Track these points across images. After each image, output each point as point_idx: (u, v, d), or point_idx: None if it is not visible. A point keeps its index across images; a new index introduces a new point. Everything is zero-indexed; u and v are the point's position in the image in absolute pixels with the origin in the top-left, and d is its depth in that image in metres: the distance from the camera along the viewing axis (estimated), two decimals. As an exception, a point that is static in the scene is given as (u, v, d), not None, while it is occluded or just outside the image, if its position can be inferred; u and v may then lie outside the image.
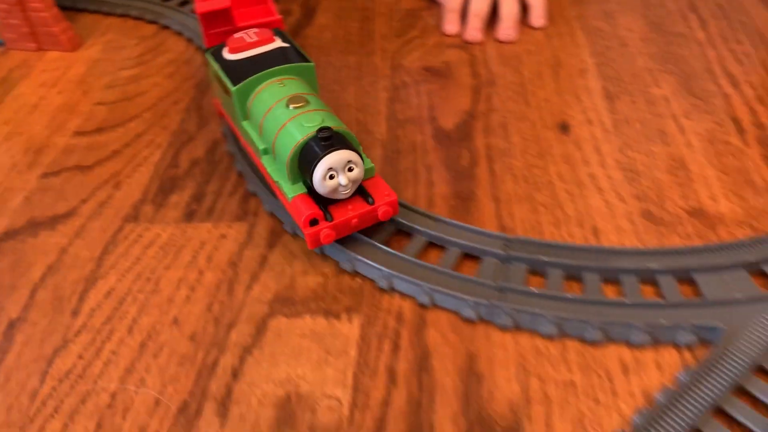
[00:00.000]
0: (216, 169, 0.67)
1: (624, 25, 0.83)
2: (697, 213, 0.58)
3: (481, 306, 0.51)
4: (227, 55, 0.61)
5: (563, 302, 0.50)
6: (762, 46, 0.77)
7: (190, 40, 0.88)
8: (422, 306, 0.52)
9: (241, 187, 0.65)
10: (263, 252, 0.58)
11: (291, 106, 0.55)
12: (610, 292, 0.52)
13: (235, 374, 0.49)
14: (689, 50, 0.77)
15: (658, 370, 0.47)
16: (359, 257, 0.54)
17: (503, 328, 0.50)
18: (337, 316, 0.52)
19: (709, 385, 0.44)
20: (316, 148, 0.51)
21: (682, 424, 0.42)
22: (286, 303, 0.54)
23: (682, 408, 0.43)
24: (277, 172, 0.56)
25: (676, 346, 0.48)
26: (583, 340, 0.49)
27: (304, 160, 0.52)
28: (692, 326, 0.48)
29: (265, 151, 0.57)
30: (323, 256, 0.57)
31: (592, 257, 0.53)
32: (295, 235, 0.59)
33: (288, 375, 0.49)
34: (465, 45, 0.82)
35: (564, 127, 0.68)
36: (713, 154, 0.63)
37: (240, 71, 0.59)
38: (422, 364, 0.49)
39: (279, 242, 0.59)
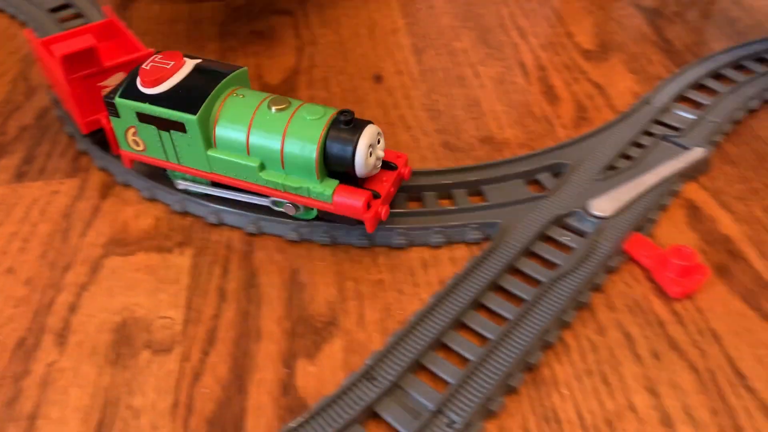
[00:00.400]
0: (46, 134, 0.68)
1: (432, -11, 0.92)
2: (487, 140, 0.67)
3: (303, 228, 0.57)
4: (148, 90, 0.53)
5: (372, 217, 0.57)
6: (546, 3, 0.89)
7: (13, 17, 0.88)
8: (250, 234, 0.58)
9: (71, 148, 0.67)
10: (96, 203, 0.61)
11: (274, 109, 0.51)
12: (414, 207, 0.60)
13: (72, 309, 0.52)
14: (486, 9, 0.88)
15: (451, 263, 0.55)
16: (188, 198, 0.59)
17: (323, 244, 0.57)
18: (170, 251, 0.56)
19: (488, 267, 0.52)
20: (347, 133, 0.50)
21: (466, 297, 0.50)
22: (119, 244, 0.57)
23: (466, 285, 0.51)
24: (295, 179, 0.52)
25: (466, 243, 0.57)
26: (390, 247, 0.56)
27: (337, 149, 0.50)
28: (478, 225, 0.56)
29: (262, 167, 0.53)
30: (154, 201, 0.60)
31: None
32: (126, 185, 0.62)
33: (124, 304, 0.52)
34: (288, 10, 0.88)
35: (378, 78, 0.76)
36: (502, 93, 0.73)
37: (183, 100, 0.52)
38: (250, 281, 0.54)
39: (111, 193, 0.62)
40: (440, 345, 0.48)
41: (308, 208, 0.55)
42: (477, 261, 0.53)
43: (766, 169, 0.63)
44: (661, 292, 0.52)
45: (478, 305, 0.51)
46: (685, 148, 0.63)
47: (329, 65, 0.78)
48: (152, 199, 0.60)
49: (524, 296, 0.51)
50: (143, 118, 0.54)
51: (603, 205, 0.57)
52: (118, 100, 0.54)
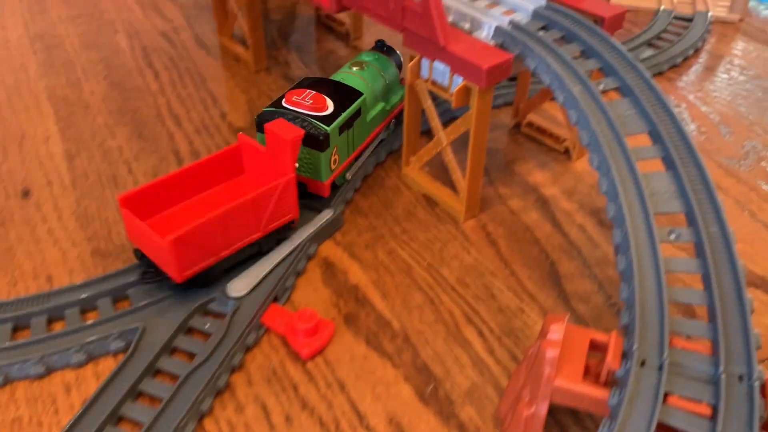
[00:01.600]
0: None
1: (88, 89, 0.92)
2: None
3: (-75, 383, 0.53)
4: (328, 111, 0.67)
5: (5, 351, 0.55)
6: (202, 86, 0.93)
7: None
8: None
9: None
10: None
11: (356, 69, 0.76)
12: (57, 328, 0.59)
13: None
14: (144, 101, 0.90)
15: (96, 378, 0.55)
16: None
17: (-49, 395, 0.54)
18: None
19: (126, 375, 0.54)
20: (390, 51, 0.81)
21: (103, 413, 0.51)
22: None
23: (104, 401, 0.52)
24: (397, 95, 0.79)
25: (112, 353, 0.57)
26: (29, 378, 0.55)
27: (397, 59, 0.81)
28: (119, 333, 0.57)
29: (385, 101, 0.77)
30: None
31: (38, 303, 0.60)
32: None
33: None
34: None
35: (26, 193, 0.74)
36: (156, 186, 0.75)
37: (348, 94, 0.71)
38: None
39: None
40: (73, 472, 0.48)
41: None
42: (115, 373, 0.54)
43: (390, 215, 0.72)
44: (296, 356, 0.57)
45: (117, 418, 0.52)
46: (319, 211, 0.70)
47: (-29, 191, 0.75)
48: None
49: (162, 395, 0.53)
50: (343, 128, 0.68)
51: (238, 285, 0.61)
52: (330, 128, 0.66)
